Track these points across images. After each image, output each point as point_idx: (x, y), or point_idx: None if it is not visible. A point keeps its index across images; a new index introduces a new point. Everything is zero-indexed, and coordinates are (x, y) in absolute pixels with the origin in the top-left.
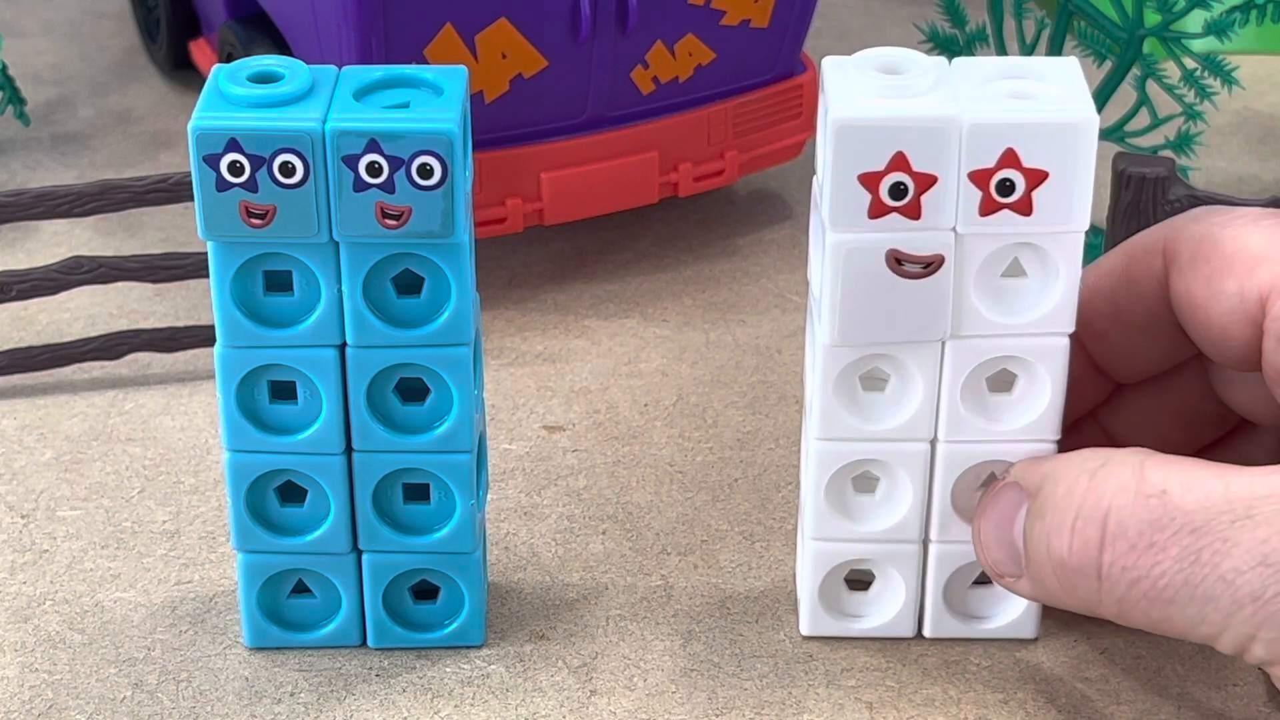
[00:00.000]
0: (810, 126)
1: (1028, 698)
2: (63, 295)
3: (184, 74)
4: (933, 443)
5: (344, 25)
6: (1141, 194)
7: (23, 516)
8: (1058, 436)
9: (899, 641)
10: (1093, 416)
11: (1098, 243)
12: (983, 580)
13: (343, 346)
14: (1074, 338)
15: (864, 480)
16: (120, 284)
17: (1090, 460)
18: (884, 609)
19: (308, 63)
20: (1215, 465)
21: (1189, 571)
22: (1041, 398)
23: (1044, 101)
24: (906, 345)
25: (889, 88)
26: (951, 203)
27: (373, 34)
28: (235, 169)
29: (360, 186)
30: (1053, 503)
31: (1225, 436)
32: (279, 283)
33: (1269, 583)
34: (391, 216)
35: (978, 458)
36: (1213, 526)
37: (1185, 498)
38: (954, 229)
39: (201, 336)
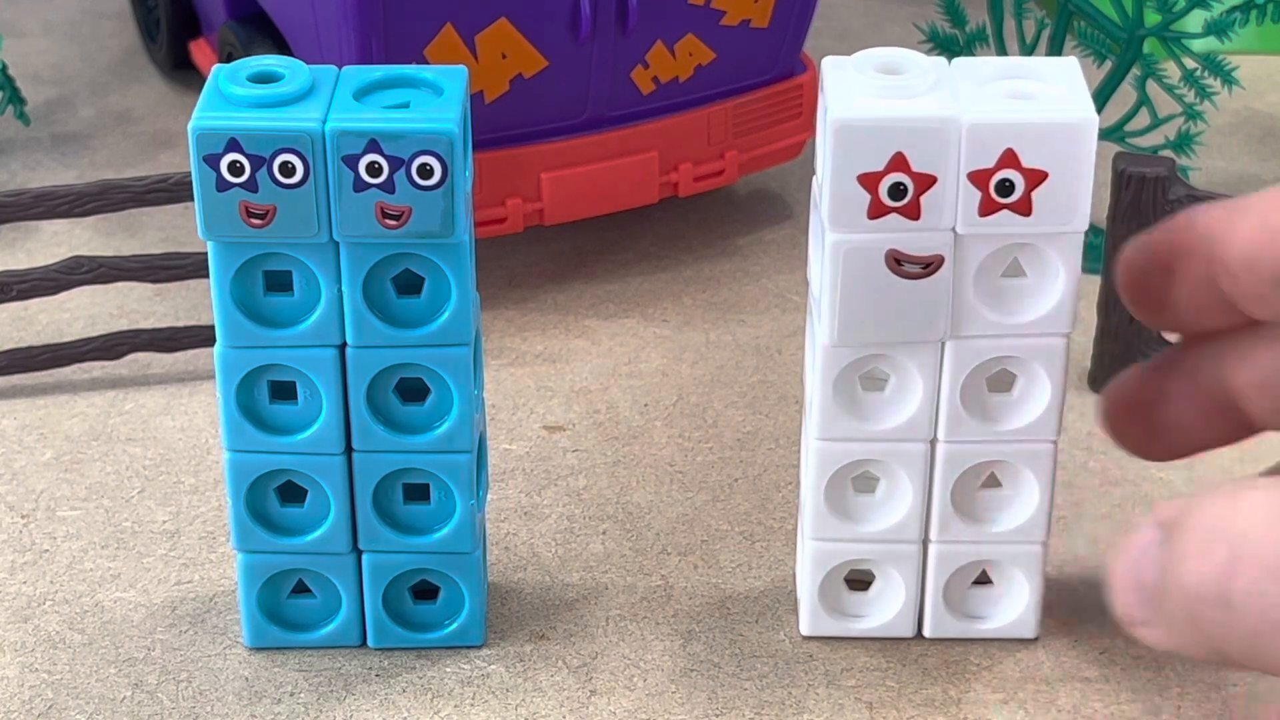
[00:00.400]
0: (810, 126)
1: (1028, 698)
2: (63, 295)
3: (184, 74)
4: (932, 443)
5: (344, 25)
6: (1142, 194)
7: (23, 516)
8: (1056, 437)
9: (899, 641)
10: (1219, 358)
11: (1098, 242)
12: (982, 580)
13: (343, 347)
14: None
15: (864, 480)
16: (120, 284)
17: (1234, 484)
18: (884, 609)
19: (308, 63)
20: None
21: None
22: (1041, 398)
23: (1044, 101)
24: (906, 345)
25: (888, 88)
26: (951, 203)
27: (373, 34)
28: (235, 169)
29: (360, 186)
30: (1185, 529)
31: None
32: (279, 283)
33: None
34: (391, 216)
35: (978, 458)
36: None
37: None
38: (953, 229)
39: (201, 336)
